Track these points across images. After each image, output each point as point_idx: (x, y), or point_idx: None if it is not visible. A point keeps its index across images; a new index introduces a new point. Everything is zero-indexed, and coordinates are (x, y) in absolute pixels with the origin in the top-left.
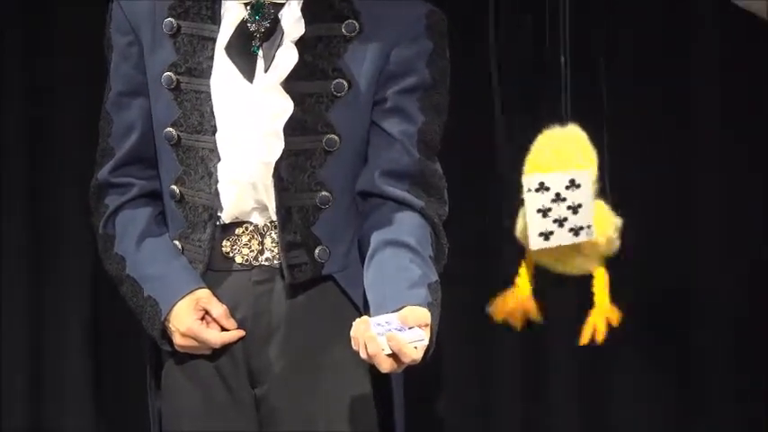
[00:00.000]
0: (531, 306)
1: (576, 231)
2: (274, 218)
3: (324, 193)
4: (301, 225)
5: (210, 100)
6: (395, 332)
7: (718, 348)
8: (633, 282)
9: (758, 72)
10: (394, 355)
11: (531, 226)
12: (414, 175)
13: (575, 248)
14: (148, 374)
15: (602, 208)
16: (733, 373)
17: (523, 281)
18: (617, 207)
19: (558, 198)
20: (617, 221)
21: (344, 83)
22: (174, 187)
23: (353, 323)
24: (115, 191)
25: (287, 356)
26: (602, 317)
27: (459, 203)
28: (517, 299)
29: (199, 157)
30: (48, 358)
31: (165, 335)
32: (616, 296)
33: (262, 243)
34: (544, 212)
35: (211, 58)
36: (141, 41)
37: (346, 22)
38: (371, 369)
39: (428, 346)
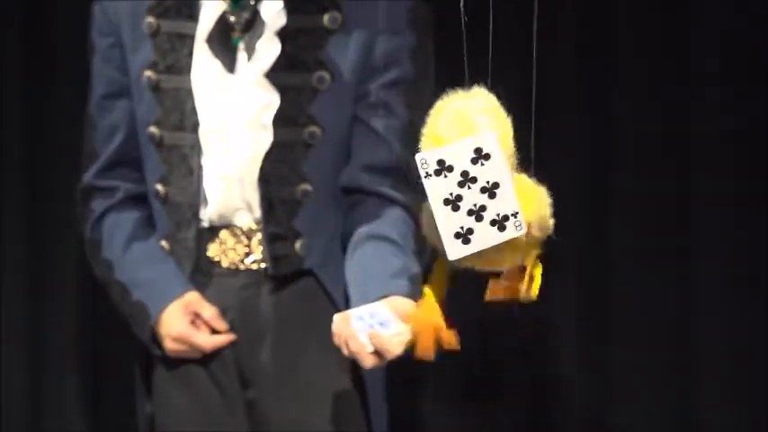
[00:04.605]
0: (440, 326)
1: (500, 224)
2: (259, 217)
3: (305, 186)
4: (283, 218)
5: (191, 96)
6: (377, 328)
7: None
8: None
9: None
10: (376, 351)
11: (442, 226)
12: (397, 171)
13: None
14: (138, 378)
15: (526, 183)
16: None
17: (430, 296)
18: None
19: (467, 178)
20: (546, 198)
21: (326, 75)
22: (158, 187)
23: (334, 318)
24: (101, 195)
25: (276, 359)
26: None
27: None
28: (423, 319)
29: (181, 154)
30: (47, 360)
31: (155, 339)
32: None
33: (248, 246)
34: (454, 204)
35: (190, 54)
36: (123, 42)
37: (329, 14)
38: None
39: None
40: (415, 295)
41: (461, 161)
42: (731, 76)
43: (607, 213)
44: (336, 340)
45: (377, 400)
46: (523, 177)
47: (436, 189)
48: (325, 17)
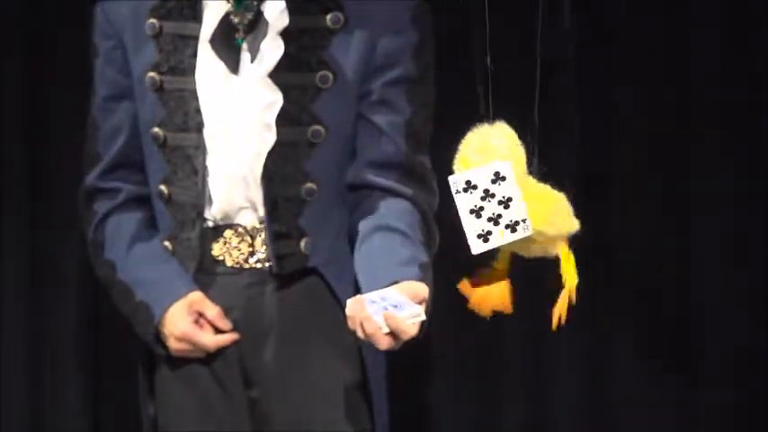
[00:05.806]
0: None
1: (512, 228)
2: (263, 216)
3: (309, 184)
4: (288, 217)
5: (195, 97)
6: (392, 310)
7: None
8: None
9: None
10: (391, 333)
11: (467, 228)
12: (402, 167)
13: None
14: (141, 378)
15: (546, 191)
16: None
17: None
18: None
19: (487, 194)
20: (566, 205)
21: (329, 75)
22: (161, 187)
23: (348, 302)
24: (104, 196)
25: (279, 359)
26: (567, 299)
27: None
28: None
29: (185, 155)
30: (47, 360)
31: (159, 339)
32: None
33: (252, 245)
34: (477, 213)
35: (194, 55)
36: (125, 44)
37: (331, 14)
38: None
39: (422, 321)
40: (427, 282)
41: (483, 181)
42: (731, 76)
43: (607, 213)
44: (351, 323)
45: (379, 399)
46: (545, 187)
47: (464, 202)
48: (328, 17)
